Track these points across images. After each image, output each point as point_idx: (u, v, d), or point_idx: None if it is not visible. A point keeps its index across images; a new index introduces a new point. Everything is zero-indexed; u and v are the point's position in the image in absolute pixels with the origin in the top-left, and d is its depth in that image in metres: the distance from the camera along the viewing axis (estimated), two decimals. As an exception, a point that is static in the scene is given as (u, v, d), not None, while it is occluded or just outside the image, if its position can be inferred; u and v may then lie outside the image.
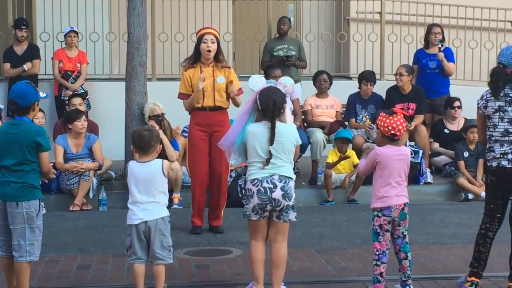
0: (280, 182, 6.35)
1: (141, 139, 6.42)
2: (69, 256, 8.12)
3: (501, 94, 6.60)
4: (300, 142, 6.57)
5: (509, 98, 6.58)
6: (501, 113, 6.62)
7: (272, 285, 6.52)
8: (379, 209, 6.58)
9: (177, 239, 8.44)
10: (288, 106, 6.75)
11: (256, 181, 6.36)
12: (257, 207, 6.36)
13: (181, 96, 8.95)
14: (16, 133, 6.22)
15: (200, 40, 8.81)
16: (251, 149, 6.41)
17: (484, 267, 6.84)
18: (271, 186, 6.33)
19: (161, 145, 6.54)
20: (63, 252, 8.24)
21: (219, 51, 8.85)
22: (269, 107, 6.34)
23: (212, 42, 8.77)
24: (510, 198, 6.79)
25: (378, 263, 6.60)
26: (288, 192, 6.37)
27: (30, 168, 6.25)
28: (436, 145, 12.08)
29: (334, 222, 9.63)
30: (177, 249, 8.10)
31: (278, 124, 6.38)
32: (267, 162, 6.34)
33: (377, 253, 6.60)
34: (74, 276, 7.43)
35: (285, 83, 6.54)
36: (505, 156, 6.62)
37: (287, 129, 6.45)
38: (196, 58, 8.87)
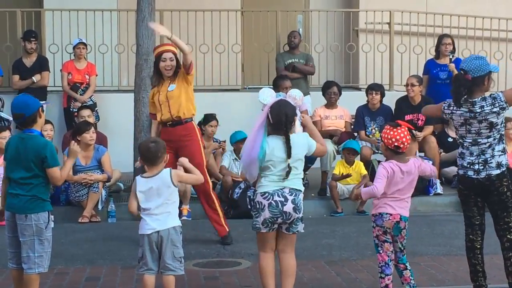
0: (291, 195, 6.33)
1: (148, 151, 6.40)
2: (78, 268, 8.11)
3: (462, 102, 6.57)
4: (314, 149, 6.50)
5: (474, 113, 6.55)
6: (467, 126, 6.62)
7: None
8: (373, 219, 6.57)
9: (186, 250, 8.37)
10: (298, 118, 6.73)
11: (267, 194, 6.33)
12: (267, 221, 6.34)
13: (151, 116, 9.21)
14: (25, 147, 6.23)
15: (158, 58, 8.83)
16: (267, 162, 6.36)
17: (485, 277, 6.81)
18: (282, 199, 6.31)
19: (168, 156, 6.52)
20: (72, 264, 8.23)
21: (178, 66, 8.85)
22: (281, 120, 6.31)
23: (171, 60, 8.79)
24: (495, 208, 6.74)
25: (382, 275, 6.58)
26: (298, 205, 6.35)
27: (38, 181, 6.25)
28: (445, 155, 12.02)
29: (344, 234, 9.59)
30: (186, 260, 8.04)
31: (291, 136, 6.35)
32: (287, 175, 6.31)
33: (380, 265, 6.61)
34: (83, 288, 7.42)
35: (294, 95, 6.53)
36: (471, 167, 6.61)
37: (299, 141, 6.42)
38: (159, 76, 8.89)
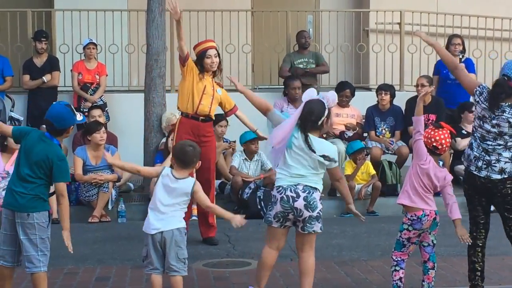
0: (304, 192, 6.35)
1: (185, 154, 6.40)
2: (88, 268, 8.12)
3: (498, 108, 6.48)
4: (336, 164, 6.49)
5: (494, 115, 6.49)
6: (482, 121, 6.56)
7: None
8: (409, 222, 6.53)
9: (196, 250, 8.43)
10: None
11: (280, 188, 6.39)
12: (279, 214, 6.38)
13: (187, 53, 8.85)
14: (40, 152, 6.21)
15: (203, 54, 8.85)
16: (291, 157, 6.40)
17: (482, 279, 6.79)
18: (294, 195, 6.34)
19: (199, 162, 6.51)
20: (82, 264, 8.24)
21: (220, 62, 8.98)
22: (306, 119, 6.38)
23: (215, 56, 8.89)
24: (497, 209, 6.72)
25: (397, 268, 6.63)
26: (311, 203, 6.35)
27: (41, 182, 6.27)
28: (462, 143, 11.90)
29: (354, 234, 9.58)
30: (196, 260, 8.10)
31: (312, 137, 6.36)
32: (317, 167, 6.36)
33: (396, 259, 6.66)
34: (93, 288, 7.43)
35: (328, 97, 6.52)
36: (475, 162, 6.59)
37: (320, 145, 6.41)
38: (201, 71, 8.88)
